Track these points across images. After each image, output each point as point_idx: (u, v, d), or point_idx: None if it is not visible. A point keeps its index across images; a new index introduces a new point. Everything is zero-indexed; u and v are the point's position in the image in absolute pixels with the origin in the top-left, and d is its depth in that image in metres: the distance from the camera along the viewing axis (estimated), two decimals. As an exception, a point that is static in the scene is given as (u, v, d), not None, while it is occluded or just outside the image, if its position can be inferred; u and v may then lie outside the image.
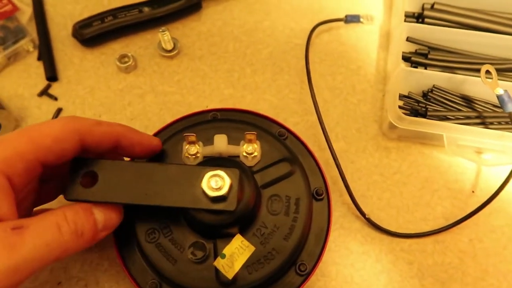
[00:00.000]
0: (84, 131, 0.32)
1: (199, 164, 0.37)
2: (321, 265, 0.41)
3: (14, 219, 0.28)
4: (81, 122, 0.32)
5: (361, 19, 0.53)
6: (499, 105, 0.45)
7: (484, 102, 0.46)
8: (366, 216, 0.42)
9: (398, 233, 0.42)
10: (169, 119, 0.43)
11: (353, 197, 0.42)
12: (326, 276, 0.41)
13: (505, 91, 0.40)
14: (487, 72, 0.41)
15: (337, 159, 0.43)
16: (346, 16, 0.53)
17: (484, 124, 0.45)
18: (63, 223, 0.28)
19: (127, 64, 0.49)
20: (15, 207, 0.28)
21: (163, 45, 0.50)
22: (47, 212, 0.29)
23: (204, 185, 0.32)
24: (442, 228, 0.42)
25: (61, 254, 0.28)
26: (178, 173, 0.34)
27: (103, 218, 0.32)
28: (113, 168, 0.34)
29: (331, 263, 0.41)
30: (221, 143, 0.38)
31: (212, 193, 0.32)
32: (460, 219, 0.41)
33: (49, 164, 0.30)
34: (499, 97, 0.40)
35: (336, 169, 0.44)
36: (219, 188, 0.32)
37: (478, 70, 0.46)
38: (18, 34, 0.49)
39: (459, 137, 0.42)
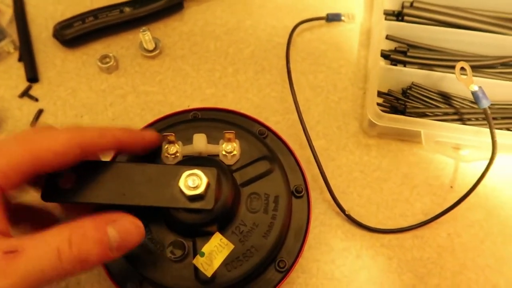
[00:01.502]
0: (87, 144, 0.31)
1: (178, 163, 0.38)
2: (302, 262, 0.41)
3: (5, 232, 0.26)
4: (84, 136, 0.30)
5: (343, 18, 0.53)
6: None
7: (462, 98, 0.46)
8: (346, 213, 0.42)
9: (378, 228, 0.42)
10: (151, 119, 0.43)
11: (333, 194, 0.43)
12: (307, 272, 0.41)
13: (480, 87, 0.41)
14: (462, 69, 0.41)
15: (317, 156, 0.43)
16: (327, 15, 0.53)
17: (462, 120, 0.45)
18: (65, 249, 0.25)
19: (108, 64, 0.49)
20: (7, 220, 0.26)
21: (145, 45, 0.50)
22: (49, 231, 0.25)
23: (181, 184, 0.32)
24: (421, 223, 0.42)
25: (57, 279, 0.25)
26: (156, 173, 0.34)
27: (119, 239, 0.27)
28: (92, 168, 0.34)
29: (312, 260, 0.42)
30: (200, 142, 0.38)
31: (189, 192, 0.32)
32: (438, 214, 0.42)
33: (46, 172, 0.29)
34: (473, 93, 0.40)
35: (317, 166, 0.45)
36: (196, 187, 0.32)
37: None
38: (-1, 35, 0.49)
39: (437, 134, 0.42)
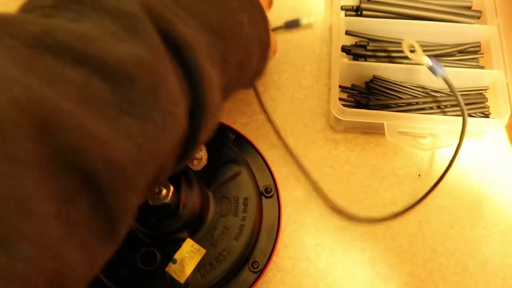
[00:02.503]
0: None
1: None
2: (277, 260, 0.42)
3: None
4: None
5: (301, 22, 0.53)
6: (437, 90, 0.47)
7: (423, 87, 0.47)
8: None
9: (357, 217, 0.43)
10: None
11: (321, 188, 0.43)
12: (283, 270, 0.42)
13: (431, 57, 0.42)
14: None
15: (293, 151, 0.44)
16: (285, 23, 0.53)
17: (425, 109, 0.46)
18: None
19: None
20: None
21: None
22: None
23: (147, 193, 0.33)
24: (392, 215, 0.43)
25: None
26: None
27: None
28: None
29: (287, 258, 0.42)
30: (165, 151, 0.38)
31: (154, 202, 0.32)
32: (412, 204, 0.43)
33: None
34: (429, 67, 0.41)
35: (287, 165, 0.45)
36: (163, 197, 0.33)
37: (416, 58, 0.48)
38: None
39: (399, 124, 0.43)
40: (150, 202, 0.32)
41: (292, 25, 0.53)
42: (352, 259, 0.42)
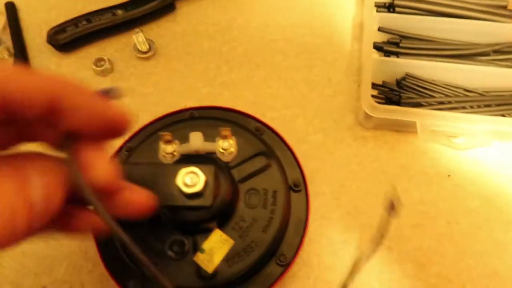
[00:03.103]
0: (62, 98, 0.22)
1: (175, 162, 0.38)
2: (303, 255, 0.42)
3: None
4: (65, 87, 0.22)
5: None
6: (471, 90, 0.46)
7: (455, 87, 0.46)
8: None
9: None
10: (148, 121, 0.43)
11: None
12: (308, 266, 0.41)
13: None
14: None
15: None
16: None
17: (457, 108, 0.45)
18: (23, 213, 0.20)
19: (103, 67, 0.49)
20: None
21: (138, 47, 0.50)
22: None
23: (179, 182, 0.33)
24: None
25: None
26: (153, 172, 0.34)
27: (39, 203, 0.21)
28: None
29: (313, 253, 0.42)
30: (196, 140, 0.39)
31: (187, 190, 0.32)
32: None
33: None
34: None
35: (315, 160, 0.45)
36: (194, 185, 0.33)
37: (449, 56, 0.47)
38: (-7, 43, 0.50)
39: (432, 123, 0.42)
40: (183, 190, 0.32)
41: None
42: (379, 257, 0.42)
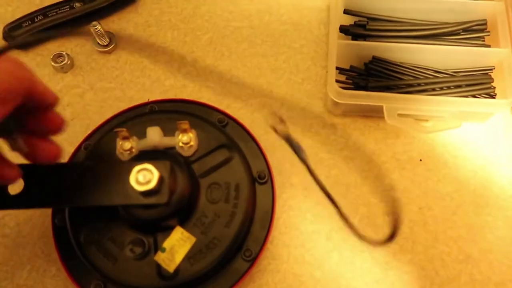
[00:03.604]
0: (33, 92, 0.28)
1: (133, 159, 0.36)
2: (271, 248, 0.41)
3: None
4: (35, 82, 0.28)
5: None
6: (440, 71, 0.45)
7: (425, 68, 0.45)
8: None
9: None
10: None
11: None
12: (277, 259, 0.40)
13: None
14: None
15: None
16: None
17: (426, 91, 0.44)
18: None
19: (62, 63, 0.48)
20: None
21: (98, 40, 0.48)
22: None
23: (132, 180, 0.31)
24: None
25: None
26: (106, 171, 0.33)
27: None
28: (40, 172, 0.33)
29: (282, 245, 0.41)
30: (154, 136, 0.37)
31: (140, 188, 0.31)
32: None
33: None
34: None
35: (283, 151, 0.44)
36: (148, 182, 0.31)
37: (418, 37, 0.46)
38: None
39: (399, 107, 0.41)
40: (136, 188, 0.31)
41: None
42: (350, 246, 0.41)
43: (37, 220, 0.41)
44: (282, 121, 0.37)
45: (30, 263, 0.40)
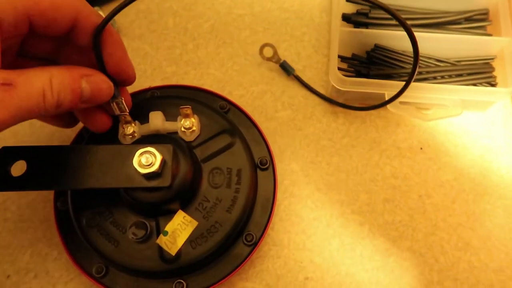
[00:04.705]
0: (82, 14, 0.29)
1: (134, 143, 0.37)
2: (272, 234, 0.41)
3: None
4: (85, 4, 0.30)
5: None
6: (442, 60, 0.45)
7: (427, 57, 0.45)
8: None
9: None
10: (110, 102, 0.42)
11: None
12: (278, 245, 0.40)
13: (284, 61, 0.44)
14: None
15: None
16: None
17: (428, 79, 0.44)
18: (48, 92, 0.27)
19: (63, 49, 0.47)
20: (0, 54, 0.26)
21: (100, 26, 0.48)
22: (33, 70, 0.27)
23: (135, 162, 0.32)
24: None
25: (34, 117, 0.28)
26: (110, 154, 0.33)
27: (90, 93, 0.30)
28: (43, 154, 0.33)
29: (283, 232, 0.41)
30: (156, 120, 0.37)
31: (143, 170, 0.31)
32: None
33: (34, 27, 0.28)
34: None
35: (284, 138, 0.44)
36: (151, 165, 0.32)
37: (419, 26, 0.46)
38: None
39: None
40: (139, 171, 0.31)
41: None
42: (350, 233, 0.41)
43: (39, 204, 0.41)
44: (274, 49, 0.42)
45: (31, 246, 0.40)
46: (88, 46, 0.31)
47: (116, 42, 0.32)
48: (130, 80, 0.34)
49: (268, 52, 0.46)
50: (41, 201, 0.41)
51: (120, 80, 0.34)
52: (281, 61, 0.44)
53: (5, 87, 0.24)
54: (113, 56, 0.32)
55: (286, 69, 0.45)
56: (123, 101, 0.34)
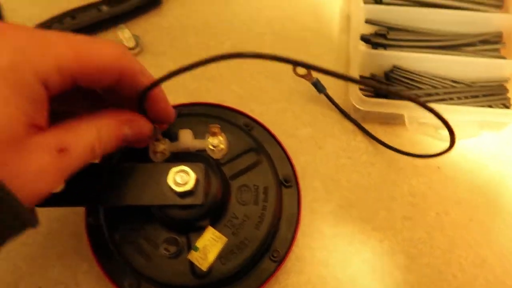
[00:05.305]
0: (128, 73, 0.28)
1: (165, 160, 0.38)
2: (296, 250, 0.42)
3: (45, 127, 0.25)
4: (131, 64, 0.28)
5: None
6: (458, 81, 0.47)
7: (443, 78, 0.47)
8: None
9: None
10: (135, 118, 0.43)
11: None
12: (301, 260, 0.42)
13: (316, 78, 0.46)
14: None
15: (304, 145, 0.44)
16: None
17: (444, 100, 0.46)
18: (97, 146, 0.27)
19: (89, 65, 0.49)
20: (48, 117, 0.26)
21: (125, 43, 0.49)
22: (81, 125, 0.27)
23: (170, 181, 0.33)
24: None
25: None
26: (145, 172, 0.34)
27: (131, 137, 0.31)
28: (81, 172, 0.34)
29: (306, 248, 0.42)
30: (186, 138, 0.38)
31: (178, 189, 0.32)
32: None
33: (78, 84, 0.27)
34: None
35: (305, 155, 0.45)
36: (185, 183, 0.33)
37: (436, 47, 0.48)
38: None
39: (419, 115, 0.43)
40: (174, 189, 0.32)
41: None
42: (371, 249, 0.42)
43: (68, 217, 0.42)
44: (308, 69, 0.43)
45: (61, 259, 0.41)
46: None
47: (158, 95, 0.33)
48: (170, 122, 0.35)
49: (301, 70, 0.47)
50: (70, 214, 0.42)
51: (161, 122, 0.35)
52: (314, 80, 0.45)
53: (61, 153, 0.25)
54: (156, 106, 0.33)
55: (318, 87, 0.46)
56: (158, 131, 0.35)
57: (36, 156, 0.24)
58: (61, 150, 0.25)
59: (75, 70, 0.25)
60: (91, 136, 0.27)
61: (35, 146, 0.24)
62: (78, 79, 0.26)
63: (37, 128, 0.24)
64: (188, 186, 0.32)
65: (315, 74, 0.49)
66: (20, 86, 0.23)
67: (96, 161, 0.30)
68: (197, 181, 0.33)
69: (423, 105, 0.30)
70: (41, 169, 0.24)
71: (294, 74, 0.46)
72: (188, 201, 0.33)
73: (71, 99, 0.31)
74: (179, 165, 0.33)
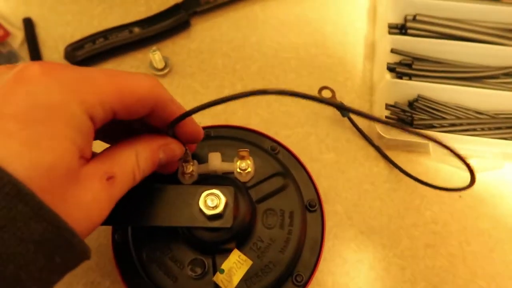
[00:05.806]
0: (161, 103, 0.30)
1: (195, 182, 0.38)
2: (317, 275, 0.42)
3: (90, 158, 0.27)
4: (163, 93, 0.30)
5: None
6: (481, 112, 0.47)
7: (466, 109, 0.47)
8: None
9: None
10: (163, 138, 0.44)
11: (345, 207, 0.43)
12: (322, 285, 0.42)
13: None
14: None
15: (328, 170, 0.44)
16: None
17: (468, 130, 0.46)
18: (137, 172, 0.29)
19: (119, 84, 0.50)
20: (92, 147, 0.28)
21: (155, 65, 0.51)
22: (122, 152, 0.29)
23: (201, 203, 0.33)
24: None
25: None
26: (176, 194, 0.35)
27: (165, 160, 0.32)
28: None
29: (327, 273, 0.43)
30: (215, 161, 0.39)
31: (208, 212, 0.33)
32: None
33: (116, 118, 0.29)
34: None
35: (328, 180, 0.46)
36: (215, 207, 0.33)
37: (459, 78, 0.48)
38: (11, 59, 0.50)
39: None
40: (205, 212, 0.33)
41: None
42: (393, 277, 0.42)
43: (92, 234, 0.43)
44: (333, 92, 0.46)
45: (85, 276, 0.42)
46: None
47: (188, 120, 0.34)
48: (198, 141, 0.37)
49: (326, 93, 0.48)
50: (95, 231, 0.43)
51: (190, 142, 0.36)
52: (339, 103, 0.46)
53: (109, 180, 0.26)
54: (184, 128, 0.34)
55: (342, 111, 0.47)
56: (188, 152, 0.37)
57: (90, 186, 0.25)
58: (109, 178, 0.26)
59: (116, 103, 0.27)
60: (131, 162, 0.29)
61: (87, 177, 0.25)
62: (118, 111, 0.27)
63: (85, 160, 0.25)
64: (218, 209, 0.33)
65: (339, 98, 0.50)
66: (72, 120, 0.24)
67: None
68: (226, 204, 0.34)
69: (445, 146, 0.30)
70: (94, 199, 0.25)
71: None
72: (217, 223, 0.34)
73: (106, 131, 0.32)
74: (210, 188, 0.34)
